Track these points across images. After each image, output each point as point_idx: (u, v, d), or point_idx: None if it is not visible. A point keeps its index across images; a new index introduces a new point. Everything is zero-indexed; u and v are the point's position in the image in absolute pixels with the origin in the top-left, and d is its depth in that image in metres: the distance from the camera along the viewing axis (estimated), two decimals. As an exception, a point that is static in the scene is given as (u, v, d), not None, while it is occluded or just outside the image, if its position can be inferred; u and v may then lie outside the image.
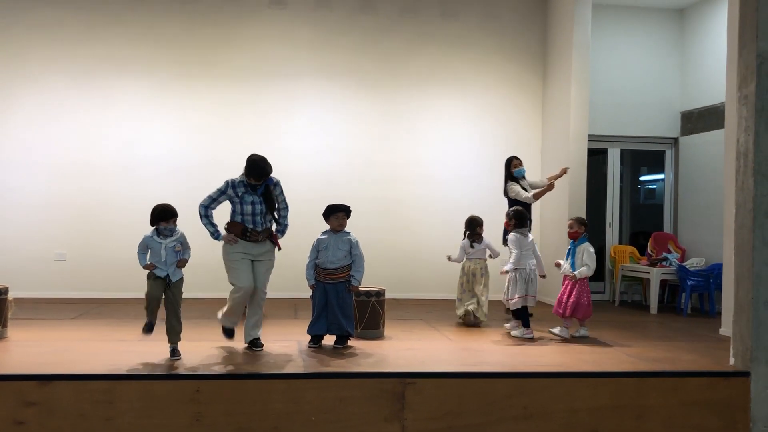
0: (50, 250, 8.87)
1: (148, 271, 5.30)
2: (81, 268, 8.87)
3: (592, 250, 6.61)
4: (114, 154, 9.02)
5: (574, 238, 6.67)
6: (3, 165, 8.84)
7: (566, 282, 6.65)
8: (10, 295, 6.14)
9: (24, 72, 8.91)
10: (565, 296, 6.60)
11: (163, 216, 5.28)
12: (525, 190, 7.68)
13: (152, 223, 5.31)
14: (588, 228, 6.83)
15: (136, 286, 7.97)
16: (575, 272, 6.53)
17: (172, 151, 9.11)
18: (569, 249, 6.73)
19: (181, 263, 5.34)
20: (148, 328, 5.30)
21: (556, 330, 6.64)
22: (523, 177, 7.82)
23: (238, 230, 5.65)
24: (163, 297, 5.32)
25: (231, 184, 5.71)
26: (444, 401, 4.83)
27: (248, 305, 5.79)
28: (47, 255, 8.85)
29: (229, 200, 5.72)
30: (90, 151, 8.97)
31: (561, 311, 6.62)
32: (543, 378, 5.02)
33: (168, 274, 5.27)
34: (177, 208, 5.39)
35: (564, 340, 6.47)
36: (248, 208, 5.64)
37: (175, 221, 5.33)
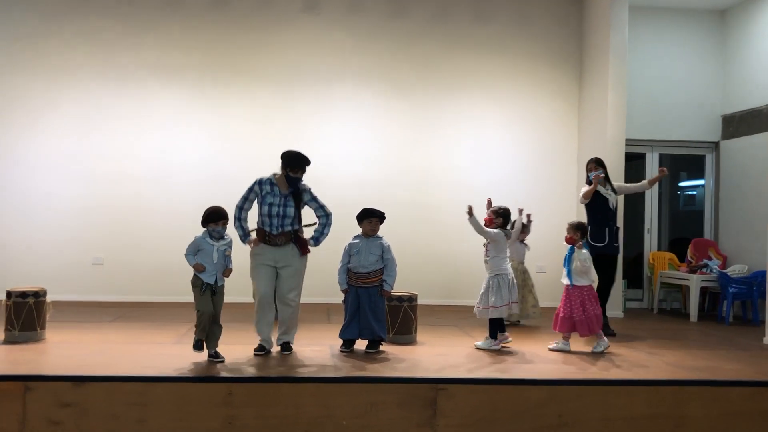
0: (88, 254, 9.00)
1: (191, 280, 5.37)
2: (118, 272, 8.99)
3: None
4: (150, 161, 9.13)
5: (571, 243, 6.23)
6: (42, 171, 9.01)
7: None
8: (48, 298, 6.25)
9: (64, 80, 9.08)
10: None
11: (213, 218, 5.39)
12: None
13: (203, 224, 5.42)
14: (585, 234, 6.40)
15: (172, 289, 8.16)
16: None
17: (205, 157, 9.19)
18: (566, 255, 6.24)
19: (227, 272, 5.46)
20: (200, 347, 5.28)
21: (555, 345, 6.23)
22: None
23: (261, 235, 5.69)
24: None
25: (258, 182, 5.74)
26: (476, 408, 4.77)
27: (278, 312, 5.82)
28: (85, 259, 8.99)
29: (256, 200, 5.75)
30: (127, 158, 9.09)
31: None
32: (577, 385, 4.93)
33: (216, 278, 5.36)
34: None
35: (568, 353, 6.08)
36: (266, 209, 5.66)
37: (224, 224, 5.42)
